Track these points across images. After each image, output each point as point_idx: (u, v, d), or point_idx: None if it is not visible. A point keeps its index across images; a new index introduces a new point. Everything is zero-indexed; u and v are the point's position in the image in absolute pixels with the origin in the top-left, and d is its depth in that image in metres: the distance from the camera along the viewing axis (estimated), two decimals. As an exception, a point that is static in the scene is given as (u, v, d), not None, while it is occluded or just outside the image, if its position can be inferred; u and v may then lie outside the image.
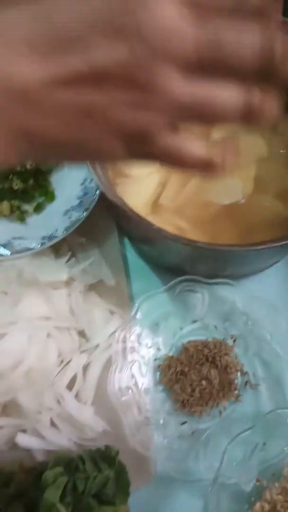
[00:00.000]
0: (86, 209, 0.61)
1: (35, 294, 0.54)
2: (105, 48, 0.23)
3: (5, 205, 0.61)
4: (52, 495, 0.40)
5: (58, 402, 0.51)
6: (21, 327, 0.51)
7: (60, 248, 0.61)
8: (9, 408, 0.50)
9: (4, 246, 0.59)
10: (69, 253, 0.60)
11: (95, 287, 0.59)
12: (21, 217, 0.61)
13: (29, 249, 0.59)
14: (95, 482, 0.44)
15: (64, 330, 0.55)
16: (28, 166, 0.62)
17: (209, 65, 0.24)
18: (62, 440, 0.50)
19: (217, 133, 0.61)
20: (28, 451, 0.50)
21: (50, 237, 0.59)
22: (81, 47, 0.23)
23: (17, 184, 0.62)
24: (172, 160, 0.27)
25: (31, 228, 0.61)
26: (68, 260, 0.59)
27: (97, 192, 0.62)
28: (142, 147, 0.27)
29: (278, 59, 0.23)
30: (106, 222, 0.64)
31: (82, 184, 0.63)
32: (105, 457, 0.46)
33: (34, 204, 0.63)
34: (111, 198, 0.50)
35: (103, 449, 0.47)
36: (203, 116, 0.25)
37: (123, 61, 0.23)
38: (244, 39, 0.23)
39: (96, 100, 0.24)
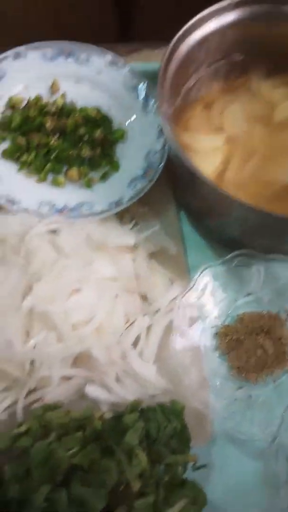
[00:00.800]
0: (150, 180, 0.63)
1: (104, 257, 0.57)
2: None
3: (74, 170, 0.63)
4: (131, 438, 0.43)
5: (124, 358, 0.54)
6: (92, 285, 0.53)
7: (123, 216, 0.63)
8: (80, 359, 0.52)
9: (73, 209, 0.61)
10: (133, 222, 0.62)
11: (156, 256, 0.61)
12: (89, 184, 0.63)
13: (96, 213, 0.61)
14: (165, 432, 0.46)
15: (129, 292, 0.57)
16: (96, 135, 0.64)
17: None
18: (127, 394, 0.52)
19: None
20: (95, 402, 0.52)
21: (116, 204, 0.62)
22: None
23: (85, 152, 0.64)
24: None
25: (98, 195, 0.63)
26: (132, 227, 0.61)
27: (161, 165, 0.64)
28: None
29: None
30: (165, 195, 0.66)
31: (146, 156, 0.65)
32: (172, 410, 0.48)
33: (100, 172, 0.64)
34: (187, 164, 0.52)
35: (169, 404, 0.49)
36: None
37: None
38: None
39: None
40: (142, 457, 0.42)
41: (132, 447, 0.43)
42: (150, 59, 0.78)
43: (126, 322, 0.56)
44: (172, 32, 0.58)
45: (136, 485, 0.41)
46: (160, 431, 0.46)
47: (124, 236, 0.59)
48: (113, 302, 0.55)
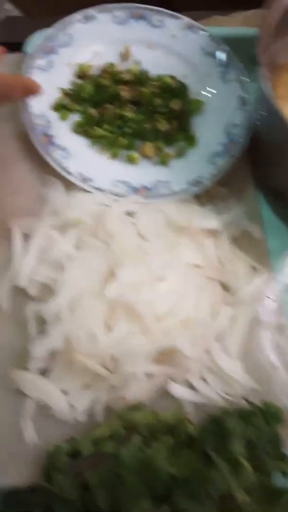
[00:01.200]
0: (232, 156, 0.57)
1: (188, 241, 0.52)
2: None
3: (149, 146, 0.58)
4: (236, 446, 0.39)
5: (207, 353, 0.49)
6: (177, 272, 0.49)
7: (200, 197, 0.57)
8: (162, 355, 0.48)
9: (150, 189, 0.56)
10: (214, 202, 0.57)
11: (236, 241, 0.56)
12: (165, 160, 0.58)
13: (175, 193, 0.56)
14: (266, 437, 0.42)
15: (211, 281, 0.53)
16: (174, 106, 0.58)
17: None
18: (212, 393, 0.48)
19: None
20: (177, 401, 0.48)
21: (196, 183, 0.56)
22: None
23: (162, 125, 0.58)
24: None
25: (175, 172, 0.58)
26: (214, 208, 0.56)
27: (243, 139, 0.58)
28: None
29: None
30: (244, 174, 0.60)
31: (226, 129, 0.59)
32: (269, 413, 0.44)
33: (176, 148, 0.59)
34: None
35: (264, 406, 0.45)
36: None
37: None
38: None
39: None
40: (248, 468, 0.38)
41: (236, 456, 0.39)
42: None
43: (210, 314, 0.51)
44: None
45: (243, 498, 0.37)
46: (261, 436, 0.42)
47: (207, 219, 0.54)
48: (198, 291, 0.50)
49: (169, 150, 0.59)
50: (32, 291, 0.50)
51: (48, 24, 0.76)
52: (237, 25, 0.71)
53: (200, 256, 0.52)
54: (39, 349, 0.46)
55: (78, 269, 0.48)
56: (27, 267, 0.50)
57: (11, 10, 1.10)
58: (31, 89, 0.54)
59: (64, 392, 0.47)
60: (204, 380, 0.49)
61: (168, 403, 0.49)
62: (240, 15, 0.73)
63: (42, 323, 0.48)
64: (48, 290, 0.50)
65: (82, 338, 0.46)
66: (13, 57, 0.62)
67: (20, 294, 0.50)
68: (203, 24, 0.69)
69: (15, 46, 0.76)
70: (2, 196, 0.55)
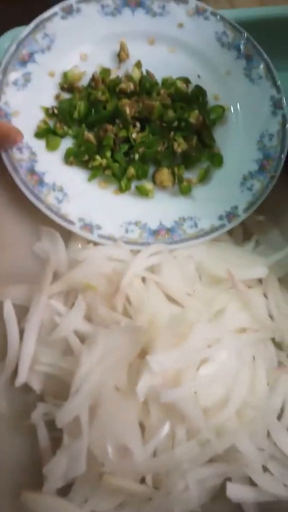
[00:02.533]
0: (272, 176, 0.45)
1: (230, 297, 0.40)
2: None
3: (165, 173, 0.46)
4: None
5: (268, 437, 0.39)
6: (225, 346, 0.37)
7: (232, 229, 0.46)
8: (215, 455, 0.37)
9: (172, 229, 0.44)
10: (253, 238, 0.45)
11: (281, 282, 0.45)
12: (187, 189, 0.46)
13: (205, 232, 0.44)
14: None
15: (261, 342, 0.41)
16: (191, 120, 0.46)
17: None
18: (277, 487, 0.38)
19: None
20: (235, 504, 0.38)
21: (229, 216, 0.45)
22: None
23: (180, 145, 0.46)
24: None
25: (201, 204, 0.46)
26: (255, 246, 0.45)
27: (283, 154, 0.46)
28: None
29: None
30: (284, 196, 0.48)
31: (260, 141, 0.47)
32: None
33: (198, 172, 0.47)
34: None
35: None
36: None
37: None
38: None
39: None
40: None
41: None
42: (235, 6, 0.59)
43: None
44: None
45: None
46: None
47: (250, 265, 0.42)
48: (251, 364, 0.39)
49: (190, 175, 0.47)
50: (36, 385, 0.39)
51: (16, 18, 0.63)
52: (252, 2, 0.58)
53: (248, 316, 0.40)
54: (55, 470, 0.35)
55: (95, 355, 0.36)
56: (27, 355, 0.38)
57: None
58: (7, 138, 0.42)
59: (94, 515, 0.36)
60: (267, 470, 0.39)
61: (225, 507, 0.38)
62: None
63: (55, 427, 0.37)
64: (55, 382, 0.39)
65: (110, 453, 0.34)
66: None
67: (21, 389, 0.39)
68: (213, 5, 0.56)
69: None
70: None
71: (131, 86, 0.46)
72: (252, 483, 0.38)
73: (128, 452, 0.35)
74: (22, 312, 0.41)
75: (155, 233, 0.44)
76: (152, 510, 0.36)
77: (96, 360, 0.36)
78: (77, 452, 0.34)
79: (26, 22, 0.48)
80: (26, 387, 0.39)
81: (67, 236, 0.44)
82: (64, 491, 0.37)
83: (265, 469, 0.39)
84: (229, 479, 0.38)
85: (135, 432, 0.35)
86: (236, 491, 0.37)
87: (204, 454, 0.35)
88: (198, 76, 0.49)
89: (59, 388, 0.38)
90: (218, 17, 0.49)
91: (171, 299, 0.40)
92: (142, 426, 0.37)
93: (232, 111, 0.49)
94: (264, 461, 0.38)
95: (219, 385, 0.37)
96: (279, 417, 0.40)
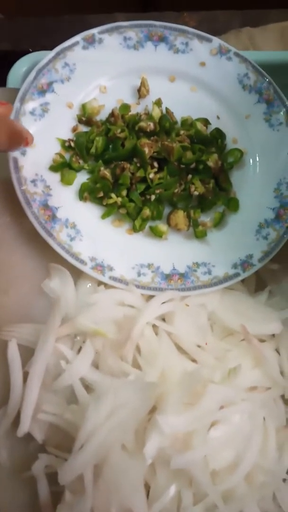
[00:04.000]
0: (287, 226, 0.45)
1: (243, 353, 0.39)
2: None
3: (181, 215, 0.45)
4: None
5: (274, 500, 0.37)
6: (239, 408, 0.36)
7: (245, 277, 0.45)
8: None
9: (186, 275, 0.43)
10: (267, 289, 0.44)
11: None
12: (202, 233, 0.45)
13: (219, 280, 0.43)
14: None
15: (271, 401, 0.40)
16: (210, 163, 0.45)
17: None
18: None
19: None
20: None
21: (243, 265, 0.44)
22: None
23: (197, 188, 0.45)
24: None
25: (216, 250, 0.45)
26: (269, 298, 0.44)
27: (300, 203, 0.45)
28: None
29: None
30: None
31: (277, 189, 0.46)
32: None
33: (214, 215, 0.46)
34: None
35: None
36: None
37: None
38: None
39: None
40: None
41: None
42: (256, 44, 0.58)
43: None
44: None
45: None
46: None
47: (265, 318, 0.41)
48: (262, 425, 0.38)
49: (205, 219, 0.46)
50: (38, 435, 0.37)
51: (28, 28, 0.63)
52: (273, 40, 0.58)
53: (260, 373, 0.39)
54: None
55: (103, 411, 0.34)
56: (30, 403, 0.37)
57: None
58: (18, 141, 0.38)
59: None
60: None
61: None
62: (275, 27, 0.59)
63: (55, 480, 0.35)
64: (58, 433, 0.37)
65: (115, 516, 0.33)
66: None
67: (22, 438, 0.37)
68: (231, 38, 0.56)
69: None
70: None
71: (151, 126, 0.45)
72: None
73: (132, 516, 0.33)
74: (27, 353, 0.39)
75: (167, 277, 0.43)
76: None
77: (103, 416, 0.35)
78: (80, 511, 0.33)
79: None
80: (28, 436, 0.37)
81: (77, 273, 0.42)
82: None
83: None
84: None
85: (140, 494, 0.34)
86: None
87: (211, 520, 0.34)
88: (218, 117, 0.49)
89: (62, 439, 0.37)
90: (241, 58, 0.49)
91: (182, 351, 0.39)
92: (146, 486, 0.35)
93: (250, 155, 0.48)
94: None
95: (229, 448, 0.36)
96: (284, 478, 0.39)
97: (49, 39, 0.60)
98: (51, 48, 0.46)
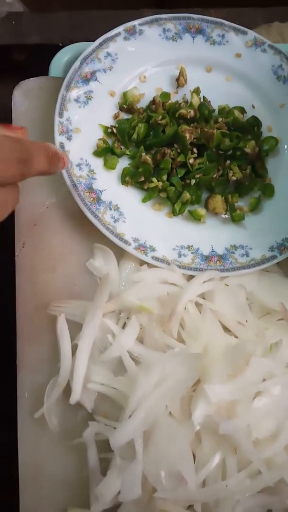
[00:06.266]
0: None
1: (283, 330, 0.41)
2: None
3: (219, 200, 0.46)
4: None
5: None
6: (279, 382, 0.38)
7: (281, 261, 0.46)
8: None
9: (224, 257, 0.45)
10: (300, 270, 0.46)
11: None
12: (240, 217, 0.46)
13: (256, 262, 0.45)
14: None
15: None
16: (247, 149, 0.47)
17: None
18: None
19: None
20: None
21: (280, 248, 0.45)
22: None
23: (235, 173, 0.46)
24: None
25: (252, 233, 0.46)
26: (304, 280, 0.45)
27: None
28: None
29: None
30: None
31: (311, 175, 0.48)
32: None
33: (250, 200, 0.48)
34: None
35: None
36: None
37: None
38: None
39: None
40: None
41: None
42: (286, 39, 0.60)
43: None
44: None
45: None
46: None
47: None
48: (301, 400, 0.39)
49: (242, 204, 0.48)
50: (88, 404, 0.39)
51: (59, 20, 0.64)
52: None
53: (299, 350, 0.41)
54: (106, 492, 0.35)
55: (152, 380, 0.36)
56: (80, 374, 0.38)
57: (12, 3, 0.96)
58: (57, 163, 0.37)
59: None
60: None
61: None
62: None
63: (105, 448, 0.37)
64: (107, 402, 0.39)
65: (163, 479, 0.35)
66: (31, 83, 0.49)
67: (71, 407, 0.39)
68: (262, 33, 0.57)
69: (23, 50, 0.64)
70: (42, 273, 0.43)
71: (191, 113, 0.47)
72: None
73: (181, 479, 0.35)
74: (75, 327, 0.41)
75: (207, 259, 0.44)
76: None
77: (152, 384, 0.36)
78: (132, 476, 0.34)
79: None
80: (77, 406, 0.39)
81: (119, 255, 0.44)
82: (109, 512, 0.37)
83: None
84: (270, 511, 0.39)
85: (189, 459, 0.36)
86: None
87: (255, 486, 0.36)
88: (253, 106, 0.50)
89: (110, 408, 0.38)
90: (276, 50, 0.50)
91: (224, 328, 0.41)
92: (193, 455, 0.37)
93: (285, 143, 0.49)
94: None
95: (271, 418, 0.37)
96: None
97: (78, 33, 0.62)
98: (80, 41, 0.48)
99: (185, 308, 0.40)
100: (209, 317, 0.40)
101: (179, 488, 0.35)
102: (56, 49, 0.53)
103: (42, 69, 0.53)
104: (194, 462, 0.36)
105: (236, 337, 0.40)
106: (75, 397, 0.37)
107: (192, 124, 0.47)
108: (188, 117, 0.47)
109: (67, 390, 0.39)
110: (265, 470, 0.35)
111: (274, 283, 0.44)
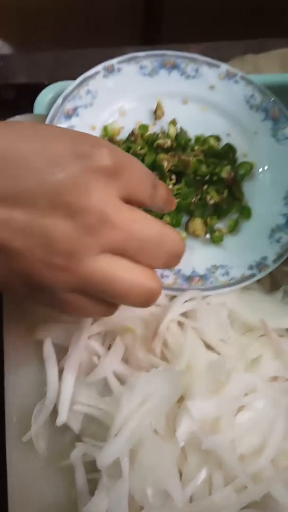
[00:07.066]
0: (299, 230, 0.48)
1: (264, 346, 0.42)
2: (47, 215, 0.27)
3: (198, 223, 0.48)
4: None
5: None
6: (261, 395, 0.39)
7: (260, 279, 0.48)
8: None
9: (205, 276, 0.46)
10: (282, 288, 0.47)
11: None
12: (219, 238, 0.48)
13: (236, 281, 0.46)
14: None
15: (290, 391, 0.43)
16: (223, 174, 0.49)
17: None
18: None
19: None
20: None
21: (259, 266, 0.47)
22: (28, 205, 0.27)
23: (212, 197, 0.48)
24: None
25: (232, 253, 0.48)
26: (284, 296, 0.47)
27: (309, 209, 0.49)
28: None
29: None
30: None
31: (286, 197, 0.50)
32: None
33: (229, 222, 0.49)
34: None
35: None
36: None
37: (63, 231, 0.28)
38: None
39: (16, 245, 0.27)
40: None
41: None
42: (260, 69, 0.64)
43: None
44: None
45: None
46: None
47: (282, 313, 0.44)
48: (286, 414, 0.40)
49: (221, 226, 0.50)
50: (75, 426, 0.39)
51: (45, 59, 0.68)
52: (275, 66, 0.63)
53: (280, 365, 0.42)
54: (94, 511, 0.36)
55: (137, 400, 0.37)
56: (66, 396, 0.39)
57: (1, 46, 1.01)
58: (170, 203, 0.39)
59: None
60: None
61: None
62: (276, 54, 0.65)
63: (93, 468, 0.37)
64: (94, 423, 0.40)
65: (150, 497, 0.35)
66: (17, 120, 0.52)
67: (59, 429, 0.40)
68: (236, 64, 0.61)
69: (11, 90, 0.68)
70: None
71: (168, 142, 0.49)
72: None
73: (167, 497, 0.35)
74: (61, 351, 0.42)
75: (188, 279, 0.46)
76: None
77: (137, 403, 0.37)
78: (119, 494, 0.35)
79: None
80: (64, 428, 0.39)
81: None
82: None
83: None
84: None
85: (175, 476, 0.36)
86: None
87: (241, 500, 0.36)
88: (228, 134, 0.53)
89: (97, 429, 0.39)
90: (247, 81, 0.53)
91: (206, 345, 0.42)
92: (179, 472, 0.37)
93: (260, 168, 0.52)
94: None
95: (255, 433, 0.38)
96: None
97: (64, 71, 0.66)
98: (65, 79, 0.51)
99: (168, 328, 0.41)
100: (191, 335, 0.41)
101: (166, 505, 0.35)
102: (42, 87, 0.56)
103: (29, 107, 0.56)
104: (181, 479, 0.37)
105: (218, 354, 0.41)
106: (61, 418, 0.38)
107: (170, 153, 0.49)
108: (165, 146, 0.49)
109: (55, 413, 0.39)
110: (251, 484, 0.36)
111: (255, 300, 0.45)
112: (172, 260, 0.34)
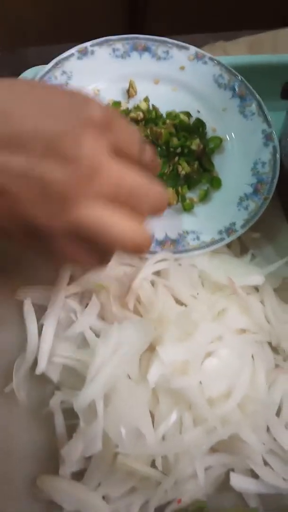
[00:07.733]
0: (265, 198, 0.51)
1: (231, 302, 0.45)
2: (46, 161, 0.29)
3: (170, 192, 0.51)
4: None
5: (268, 433, 0.42)
6: (227, 344, 0.41)
7: (231, 244, 0.51)
8: (219, 443, 0.40)
9: (177, 241, 0.49)
10: (249, 252, 0.50)
11: (278, 292, 0.49)
12: (189, 207, 0.51)
13: (206, 245, 0.49)
14: None
15: (259, 344, 0.45)
16: (193, 147, 0.52)
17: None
18: (278, 480, 0.41)
19: None
20: (237, 494, 0.41)
21: (228, 231, 0.50)
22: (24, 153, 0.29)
23: (183, 168, 0.51)
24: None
25: (202, 220, 0.51)
26: (251, 259, 0.49)
27: (275, 178, 0.52)
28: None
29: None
30: (277, 216, 0.54)
31: (253, 168, 0.53)
32: None
33: (199, 192, 0.52)
34: None
35: None
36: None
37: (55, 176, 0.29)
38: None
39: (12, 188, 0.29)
40: None
41: None
42: (228, 53, 0.67)
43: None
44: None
45: None
46: None
47: (249, 274, 0.47)
48: (251, 362, 0.42)
49: (193, 195, 0.52)
50: (54, 376, 0.42)
51: (31, 55, 0.70)
52: (242, 51, 0.66)
53: (247, 319, 0.45)
54: (72, 452, 0.38)
55: (110, 348, 0.39)
56: (45, 347, 0.42)
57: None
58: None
59: (106, 499, 0.38)
60: (267, 464, 0.42)
61: (229, 498, 0.41)
62: (244, 41, 0.68)
63: (71, 415, 0.40)
64: (71, 374, 0.42)
65: (124, 435, 0.37)
66: None
67: (39, 381, 0.42)
68: (208, 51, 0.64)
69: None
70: (9, 261, 0.47)
71: (141, 115, 0.52)
72: (253, 475, 0.41)
73: (140, 435, 0.38)
74: (41, 311, 0.44)
75: (161, 243, 0.49)
76: (161, 496, 0.39)
77: (110, 351, 0.39)
78: (94, 433, 0.37)
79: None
80: (44, 379, 0.42)
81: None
82: (78, 477, 0.39)
83: (265, 463, 0.42)
84: (233, 470, 0.41)
85: (147, 417, 0.38)
86: (239, 481, 0.40)
87: (210, 440, 0.38)
88: (198, 111, 0.56)
89: (75, 379, 0.41)
90: (215, 62, 0.56)
91: (178, 301, 0.44)
92: (151, 415, 0.40)
93: (229, 142, 0.55)
94: (265, 453, 0.41)
95: (222, 378, 0.40)
96: (278, 414, 0.43)
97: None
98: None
99: (141, 286, 0.44)
100: (161, 290, 0.44)
101: (139, 443, 0.37)
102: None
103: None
104: (153, 421, 0.39)
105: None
106: (40, 367, 0.40)
107: (141, 123, 0.52)
108: (138, 118, 0.52)
109: (35, 367, 0.42)
110: (219, 425, 0.38)
111: (225, 261, 0.48)
112: (159, 206, 0.36)
